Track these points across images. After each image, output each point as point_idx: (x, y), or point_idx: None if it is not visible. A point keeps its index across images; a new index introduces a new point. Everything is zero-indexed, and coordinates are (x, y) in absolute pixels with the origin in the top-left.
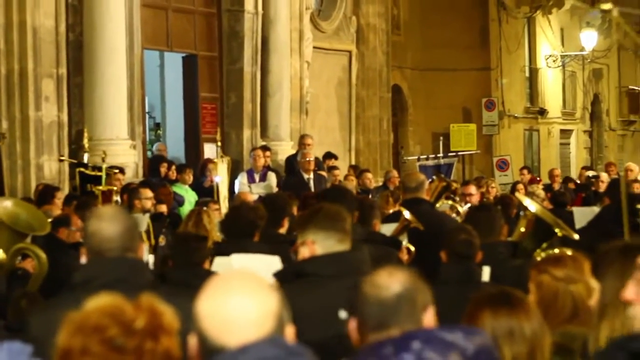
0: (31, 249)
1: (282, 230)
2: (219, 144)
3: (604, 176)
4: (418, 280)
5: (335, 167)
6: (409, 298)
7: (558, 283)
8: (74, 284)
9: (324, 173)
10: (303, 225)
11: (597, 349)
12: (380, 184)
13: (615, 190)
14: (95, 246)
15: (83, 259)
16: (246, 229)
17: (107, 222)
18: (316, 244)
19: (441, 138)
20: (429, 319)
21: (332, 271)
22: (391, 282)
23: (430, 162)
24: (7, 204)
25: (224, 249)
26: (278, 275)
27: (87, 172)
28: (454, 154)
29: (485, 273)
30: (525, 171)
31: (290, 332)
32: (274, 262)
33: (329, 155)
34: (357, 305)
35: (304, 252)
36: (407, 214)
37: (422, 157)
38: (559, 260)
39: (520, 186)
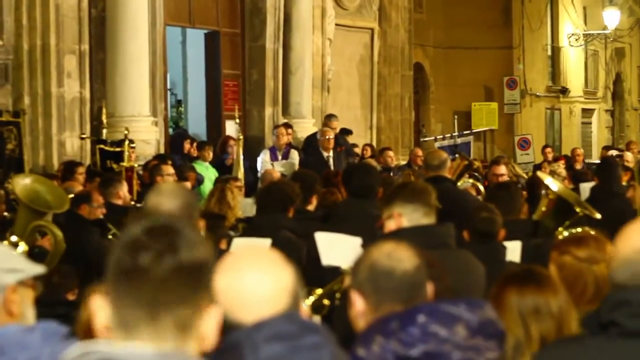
0: (48, 227)
1: (311, 208)
2: (237, 121)
3: (629, 155)
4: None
5: (354, 145)
6: (424, 270)
7: (581, 264)
8: None
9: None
10: (389, 199)
11: (588, 313)
12: (402, 162)
13: (605, 171)
14: None
15: None
16: (282, 203)
17: (166, 197)
18: (403, 217)
19: (455, 116)
20: (430, 293)
21: (419, 244)
22: (408, 254)
23: (446, 142)
24: (26, 181)
25: (257, 222)
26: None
27: (107, 148)
28: (468, 132)
29: (517, 249)
30: (548, 149)
31: (305, 308)
32: (357, 243)
33: (345, 131)
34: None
35: (390, 225)
36: None
37: (438, 137)
38: (580, 241)
39: (546, 165)
